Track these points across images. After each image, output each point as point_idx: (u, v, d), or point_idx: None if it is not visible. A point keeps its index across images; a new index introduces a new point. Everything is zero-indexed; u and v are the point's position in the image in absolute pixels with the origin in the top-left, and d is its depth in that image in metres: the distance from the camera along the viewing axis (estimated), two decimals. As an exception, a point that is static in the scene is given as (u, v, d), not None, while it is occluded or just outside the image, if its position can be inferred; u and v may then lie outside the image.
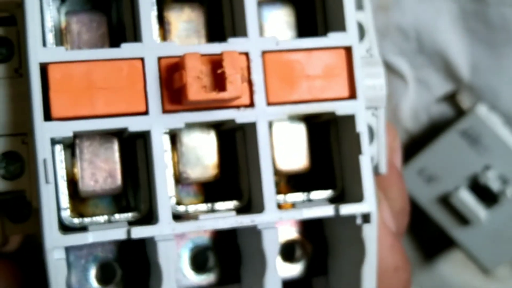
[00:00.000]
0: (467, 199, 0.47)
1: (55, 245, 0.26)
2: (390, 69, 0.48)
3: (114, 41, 0.30)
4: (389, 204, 0.35)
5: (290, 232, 0.33)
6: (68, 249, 0.30)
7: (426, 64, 0.48)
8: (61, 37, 0.30)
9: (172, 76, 0.27)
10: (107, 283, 0.31)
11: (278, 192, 0.32)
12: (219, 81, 0.27)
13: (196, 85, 0.26)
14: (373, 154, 0.33)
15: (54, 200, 0.27)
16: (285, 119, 0.29)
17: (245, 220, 0.28)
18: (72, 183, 0.30)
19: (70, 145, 0.30)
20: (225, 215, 0.28)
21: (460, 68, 0.47)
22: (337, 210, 0.29)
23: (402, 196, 0.36)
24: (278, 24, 0.32)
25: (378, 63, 0.32)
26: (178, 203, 0.31)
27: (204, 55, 0.27)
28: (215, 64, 0.27)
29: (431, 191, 0.48)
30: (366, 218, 0.29)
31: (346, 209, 0.29)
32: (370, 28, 0.32)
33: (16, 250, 0.33)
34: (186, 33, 0.31)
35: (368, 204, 0.29)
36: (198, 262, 0.32)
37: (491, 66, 0.47)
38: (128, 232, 0.27)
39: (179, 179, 0.30)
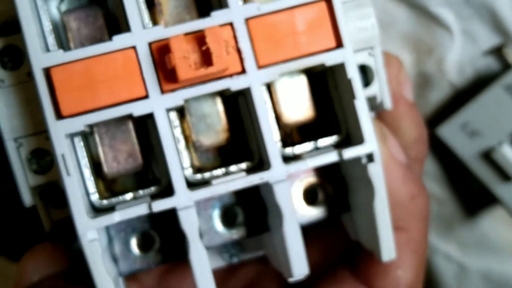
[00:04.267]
0: (510, 155, 0.46)
1: (85, 229, 0.29)
2: (435, 20, 0.47)
3: (112, 30, 0.32)
4: (402, 136, 0.36)
5: (309, 177, 0.35)
6: (108, 226, 0.33)
7: (472, 15, 0.47)
8: (65, 34, 0.32)
9: (164, 58, 0.29)
10: (148, 249, 0.34)
11: (291, 142, 0.33)
12: (206, 57, 0.29)
13: (184, 65, 0.28)
14: (376, 93, 0.34)
15: (78, 189, 0.29)
16: (279, 78, 0.31)
17: (255, 179, 0.30)
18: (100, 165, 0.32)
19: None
20: (235, 177, 0.30)
21: (508, 21, 0.46)
22: (340, 155, 0.31)
23: (416, 125, 0.36)
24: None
25: (365, 3, 0.33)
26: (201, 168, 0.33)
27: (189, 33, 0.29)
28: (201, 40, 0.29)
29: (474, 146, 0.47)
30: (370, 157, 0.31)
31: (349, 153, 0.31)
32: None
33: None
34: (177, 11, 0.32)
35: (369, 145, 0.30)
36: (228, 218, 0.34)
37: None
38: (150, 207, 0.30)
39: (195, 148, 0.33)
